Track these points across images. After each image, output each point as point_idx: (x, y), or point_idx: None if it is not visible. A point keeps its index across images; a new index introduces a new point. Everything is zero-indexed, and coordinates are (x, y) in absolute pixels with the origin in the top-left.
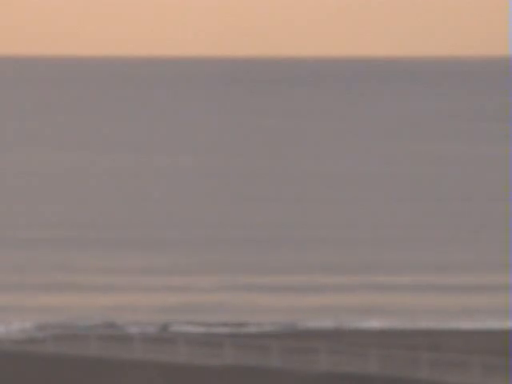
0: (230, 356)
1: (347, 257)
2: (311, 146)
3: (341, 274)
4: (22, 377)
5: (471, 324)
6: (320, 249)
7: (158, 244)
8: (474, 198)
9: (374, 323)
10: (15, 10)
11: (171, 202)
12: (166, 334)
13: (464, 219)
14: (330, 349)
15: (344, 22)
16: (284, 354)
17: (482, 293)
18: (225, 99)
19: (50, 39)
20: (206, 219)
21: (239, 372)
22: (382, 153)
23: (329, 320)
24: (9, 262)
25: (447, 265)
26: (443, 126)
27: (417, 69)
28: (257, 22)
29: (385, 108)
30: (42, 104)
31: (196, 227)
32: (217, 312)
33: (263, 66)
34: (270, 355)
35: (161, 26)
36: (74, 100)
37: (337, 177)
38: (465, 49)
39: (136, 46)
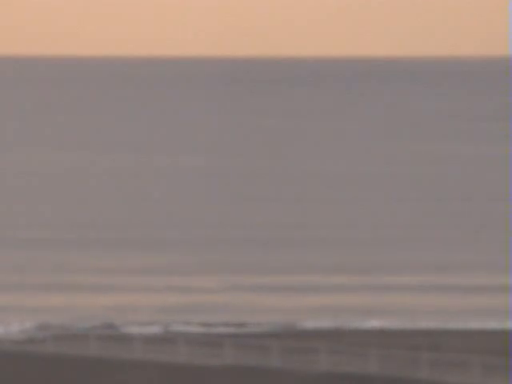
0: (230, 356)
1: (347, 257)
2: (311, 146)
3: (341, 274)
4: (21, 377)
5: (471, 324)
6: (320, 249)
7: (157, 244)
8: (474, 198)
9: (374, 323)
10: (15, 10)
11: (171, 202)
12: (166, 334)
13: (464, 219)
14: (330, 349)
15: (344, 22)
16: (284, 354)
17: (482, 293)
18: (225, 99)
19: (50, 39)
20: (206, 219)
21: (239, 372)
22: (382, 153)
23: (329, 320)
24: (9, 262)
25: (447, 265)
26: (443, 126)
27: (417, 69)
28: (257, 21)
29: (385, 108)
30: (42, 104)
31: (196, 227)
32: (217, 312)
33: (263, 66)
34: (270, 355)
35: (161, 26)
36: (74, 100)
37: (337, 177)
38: (465, 49)
39: (136, 46)
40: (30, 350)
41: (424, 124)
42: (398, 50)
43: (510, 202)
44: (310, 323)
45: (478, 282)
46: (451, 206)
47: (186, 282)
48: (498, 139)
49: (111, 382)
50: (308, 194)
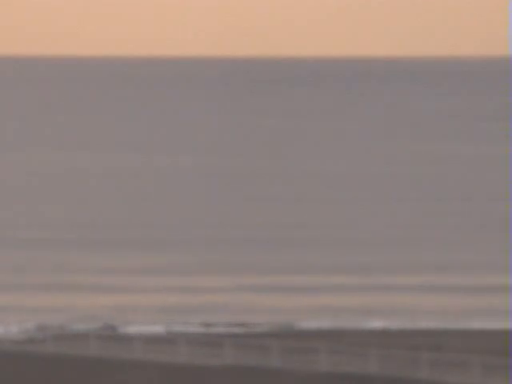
0: (230, 356)
1: (347, 257)
2: (311, 146)
3: (341, 274)
4: (22, 377)
5: (471, 324)
6: (320, 249)
7: (157, 244)
8: (474, 198)
9: (374, 323)
10: (15, 10)
11: (171, 202)
12: (166, 334)
13: (464, 219)
14: (330, 349)
15: (344, 22)
16: (284, 354)
17: (482, 293)
18: (225, 99)
19: (50, 39)
20: (206, 219)
21: (239, 372)
22: (382, 153)
23: (329, 320)
24: (9, 262)
25: (447, 265)
26: (443, 126)
27: (417, 69)
28: (257, 21)
29: (385, 108)
30: (42, 104)
31: (196, 227)
32: (217, 312)
33: (263, 66)
34: (270, 355)
35: (161, 26)
36: (74, 100)
37: (337, 177)
38: (465, 49)
39: (136, 46)
40: (30, 349)
41: (424, 124)
42: (398, 50)
43: (510, 202)
44: (310, 323)
45: (478, 282)
46: (451, 206)
47: (186, 281)
48: (498, 139)
49: (111, 382)
50: (308, 194)
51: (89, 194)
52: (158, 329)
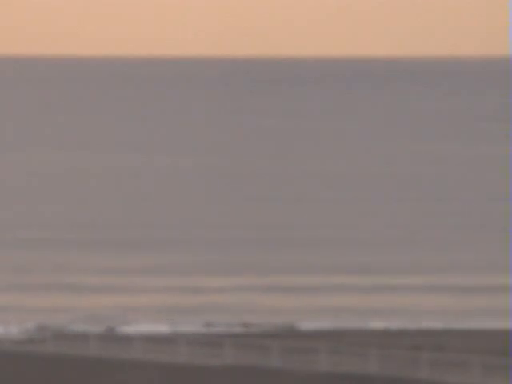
0: (230, 356)
1: (347, 257)
2: (311, 146)
3: (341, 274)
4: (22, 377)
5: (471, 324)
6: (320, 249)
7: (157, 244)
8: (474, 198)
9: (374, 323)
10: (15, 10)
11: (171, 202)
12: (166, 334)
13: (464, 219)
14: (330, 349)
15: (344, 22)
16: (284, 354)
17: (482, 293)
18: (225, 99)
19: (50, 39)
20: (206, 219)
21: (239, 372)
22: (382, 153)
23: (329, 320)
24: (9, 262)
25: (447, 265)
26: (443, 126)
27: (417, 69)
28: (257, 21)
29: (385, 108)
30: (42, 104)
31: (196, 227)
32: (217, 312)
33: (263, 66)
34: (270, 355)
35: (161, 26)
36: (74, 100)
37: (337, 177)
38: (465, 49)
39: (136, 46)
40: (30, 349)
41: (424, 124)
42: (398, 50)
43: (510, 202)
44: (310, 323)
45: (478, 282)
46: (451, 206)
47: (186, 281)
48: (498, 139)
49: (111, 382)
50: (308, 194)
51: (89, 194)
52: (158, 329)
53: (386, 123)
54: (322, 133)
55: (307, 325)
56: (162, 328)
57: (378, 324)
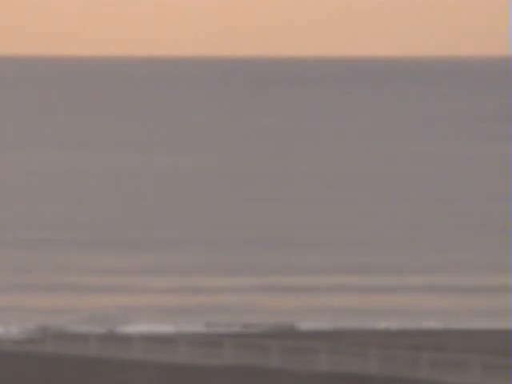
0: (230, 356)
1: (347, 257)
2: (311, 146)
3: (341, 274)
4: (21, 377)
5: (471, 324)
6: (320, 249)
7: (157, 244)
8: (474, 198)
9: (375, 323)
10: (15, 10)
11: (171, 202)
12: (166, 334)
13: (464, 219)
14: (330, 349)
15: (344, 22)
16: (284, 354)
17: (482, 293)
18: (225, 99)
19: (50, 39)
20: (206, 219)
21: (239, 372)
22: (382, 153)
23: (329, 320)
24: (9, 262)
25: (447, 265)
26: (443, 126)
27: (417, 69)
28: (257, 21)
29: (385, 108)
30: (42, 104)
31: (196, 227)
32: (217, 312)
33: (263, 66)
34: (270, 355)
35: (161, 26)
36: (74, 100)
37: (337, 177)
38: (465, 49)
39: (136, 46)
40: (30, 349)
41: (424, 124)
42: (398, 50)
43: (510, 202)
44: (310, 323)
45: (478, 282)
46: (451, 206)
47: (186, 282)
48: (498, 139)
49: (111, 382)
50: (308, 194)
51: (89, 194)
52: (158, 329)
53: (385, 123)
54: (321, 133)
55: (307, 325)
56: (162, 328)
57: (377, 324)
